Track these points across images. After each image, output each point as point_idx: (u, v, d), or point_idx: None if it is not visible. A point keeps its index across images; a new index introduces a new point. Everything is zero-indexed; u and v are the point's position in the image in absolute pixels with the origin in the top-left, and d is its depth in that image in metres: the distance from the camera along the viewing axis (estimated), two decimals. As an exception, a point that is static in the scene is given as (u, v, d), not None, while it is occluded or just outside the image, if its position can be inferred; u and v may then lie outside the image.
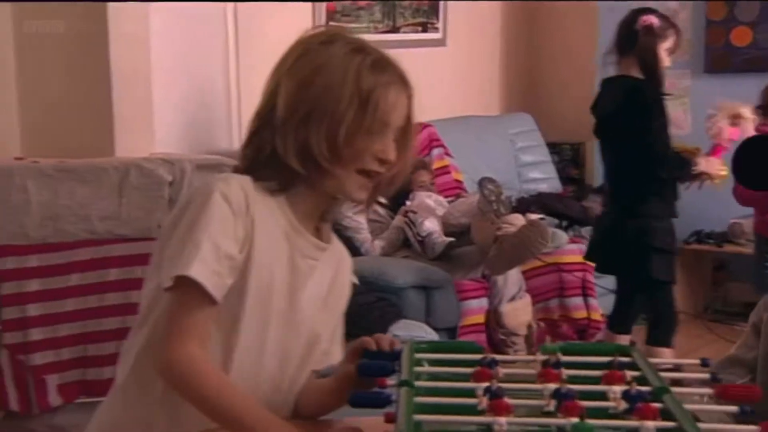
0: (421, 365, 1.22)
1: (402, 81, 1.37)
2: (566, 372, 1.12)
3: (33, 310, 2.53)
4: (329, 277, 1.44)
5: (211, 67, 3.45)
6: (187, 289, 1.25)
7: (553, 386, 1.06)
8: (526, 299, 3.67)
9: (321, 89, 1.33)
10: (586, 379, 1.11)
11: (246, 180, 1.35)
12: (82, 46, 2.79)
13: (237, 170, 1.39)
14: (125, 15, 2.77)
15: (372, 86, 1.34)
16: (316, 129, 1.33)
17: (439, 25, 4.63)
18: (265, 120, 1.36)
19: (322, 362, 1.43)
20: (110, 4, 2.69)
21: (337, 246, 1.48)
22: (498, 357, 1.19)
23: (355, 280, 1.51)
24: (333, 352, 1.45)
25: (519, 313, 3.61)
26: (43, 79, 2.85)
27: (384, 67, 1.36)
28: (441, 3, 4.60)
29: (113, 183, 2.61)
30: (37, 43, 2.82)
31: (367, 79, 1.34)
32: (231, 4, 3.47)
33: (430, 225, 3.64)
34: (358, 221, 3.65)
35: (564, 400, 1.02)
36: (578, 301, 3.82)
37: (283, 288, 1.36)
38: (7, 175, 2.56)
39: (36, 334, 2.53)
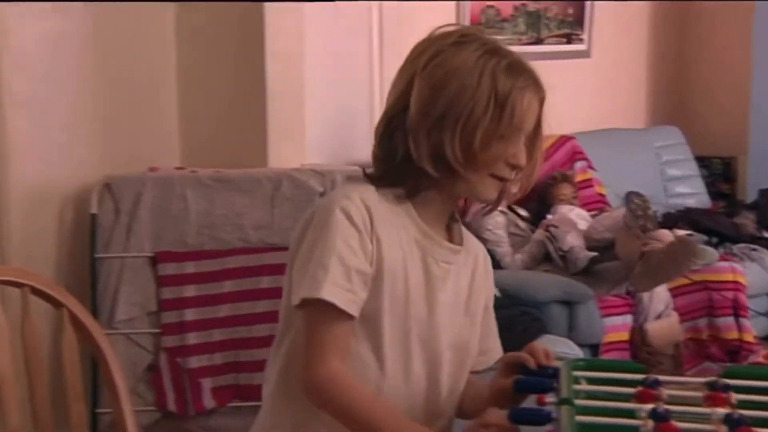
0: (579, 383, 1.21)
1: (536, 84, 1.35)
2: (735, 396, 1.09)
3: (190, 314, 2.63)
4: (467, 280, 1.42)
5: (356, 77, 3.52)
6: (322, 308, 1.26)
7: (722, 411, 1.04)
8: (674, 317, 3.57)
9: (455, 92, 1.31)
10: (757, 405, 1.08)
11: (368, 191, 1.34)
12: (239, 61, 2.89)
13: (368, 176, 1.38)
14: (281, 31, 2.86)
15: (508, 90, 1.32)
16: (450, 132, 1.31)
17: (584, 36, 4.57)
18: (396, 122, 1.35)
19: (482, 363, 1.43)
20: (267, 22, 2.77)
21: (471, 244, 1.46)
22: (661, 378, 1.16)
23: (497, 293, 1.49)
24: (491, 348, 1.45)
25: (665, 331, 3.51)
26: (202, 92, 2.96)
27: (519, 70, 1.34)
28: (587, 14, 4.54)
29: (266, 193, 2.69)
30: (197, 58, 2.94)
31: (504, 82, 1.32)
32: (376, 18, 3.54)
33: (573, 239, 3.59)
34: (498, 235, 3.63)
35: (737, 427, 0.99)
36: (729, 321, 3.68)
37: (420, 295, 1.35)
38: (168, 184, 2.68)
39: (192, 338, 2.63)
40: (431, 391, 1.37)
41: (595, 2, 4.52)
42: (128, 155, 2.84)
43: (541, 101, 1.36)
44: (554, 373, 1.24)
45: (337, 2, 3.21)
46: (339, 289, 1.26)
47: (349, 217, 1.30)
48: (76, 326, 1.90)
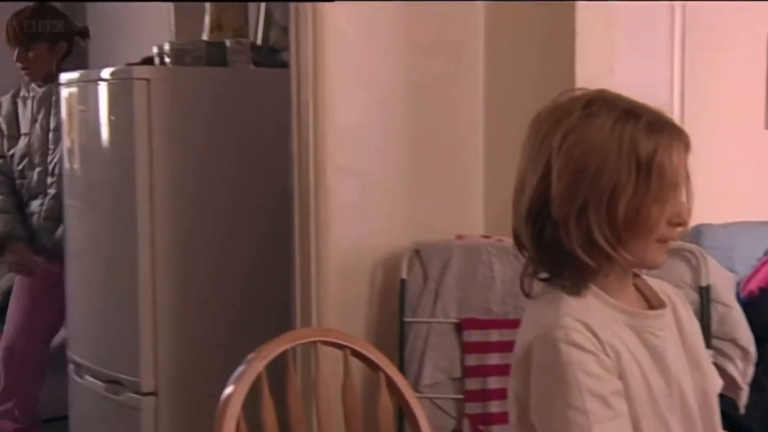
0: None
1: (680, 135, 1.27)
2: None
3: (493, 383, 2.63)
4: (678, 329, 1.37)
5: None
6: None
7: None
8: None
9: (596, 170, 1.25)
10: None
11: (567, 304, 1.30)
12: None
13: (544, 280, 1.35)
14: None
15: (652, 151, 1.24)
16: (595, 215, 1.25)
17: None
18: (543, 211, 1.30)
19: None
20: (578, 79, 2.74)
21: (660, 289, 1.39)
22: None
23: None
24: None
25: None
26: (508, 159, 3.00)
27: (660, 125, 1.26)
28: None
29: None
30: (504, 124, 2.98)
31: (645, 145, 1.24)
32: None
33: None
34: None
35: None
36: None
37: (654, 374, 1.31)
38: (475, 252, 2.73)
39: (494, 407, 2.63)
40: None
41: None
42: (436, 222, 2.92)
43: (687, 147, 1.28)
44: None
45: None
46: (607, 424, 1.24)
47: (578, 345, 1.26)
48: (389, 388, 1.98)
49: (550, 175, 1.29)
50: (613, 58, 2.75)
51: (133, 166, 3.09)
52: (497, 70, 2.96)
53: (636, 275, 1.39)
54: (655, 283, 1.42)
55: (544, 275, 1.39)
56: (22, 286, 3.76)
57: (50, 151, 3.66)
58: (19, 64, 3.71)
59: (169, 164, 3.12)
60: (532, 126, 1.38)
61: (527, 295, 1.40)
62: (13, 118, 3.80)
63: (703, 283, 2.47)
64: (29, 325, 3.73)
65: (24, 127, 3.77)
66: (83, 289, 3.49)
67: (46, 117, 3.68)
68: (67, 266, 3.53)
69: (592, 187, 1.26)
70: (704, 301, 2.46)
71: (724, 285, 2.57)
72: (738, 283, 3.09)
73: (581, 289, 1.32)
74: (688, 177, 1.29)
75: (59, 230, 3.62)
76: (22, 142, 3.76)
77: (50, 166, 3.67)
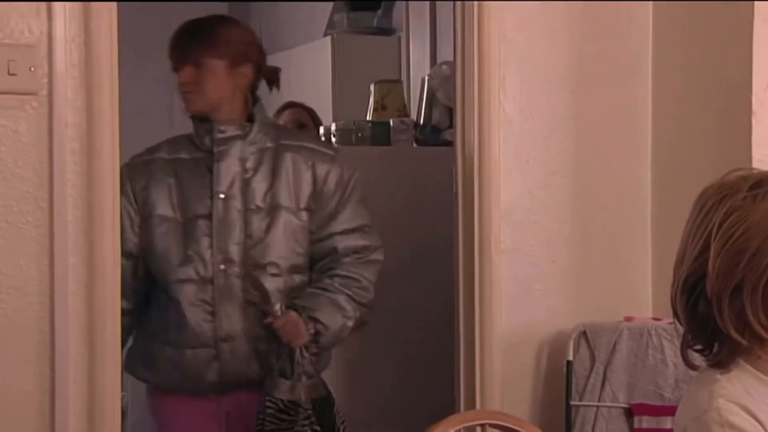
0: None
1: None
2: None
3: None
4: None
5: None
6: None
7: None
8: None
9: (755, 252, 1.24)
10: None
11: (723, 388, 1.27)
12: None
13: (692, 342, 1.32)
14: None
15: None
16: (750, 297, 1.24)
17: None
18: (698, 287, 1.29)
19: None
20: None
21: None
22: None
23: None
24: None
25: None
26: (677, 238, 2.91)
27: None
28: None
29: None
30: (673, 202, 2.89)
31: None
32: None
33: None
34: None
35: None
36: None
37: None
38: (645, 334, 2.64)
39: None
40: None
41: None
42: (603, 303, 2.85)
43: None
44: None
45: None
46: None
47: (736, 427, 1.25)
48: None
49: (708, 251, 1.29)
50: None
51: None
52: (664, 147, 2.90)
53: None
54: None
55: (698, 346, 1.36)
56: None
57: None
58: None
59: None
60: (697, 201, 1.37)
61: (692, 367, 1.37)
62: None
63: None
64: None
65: None
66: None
67: None
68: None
69: (749, 268, 1.26)
70: None
71: None
72: None
73: (731, 364, 1.31)
74: None
75: None
76: None
77: None
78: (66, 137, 2.23)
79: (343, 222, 2.54)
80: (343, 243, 2.53)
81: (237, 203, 2.46)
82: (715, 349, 1.32)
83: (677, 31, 2.85)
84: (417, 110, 3.67)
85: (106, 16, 2.24)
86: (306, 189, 2.50)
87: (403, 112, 3.64)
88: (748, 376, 1.31)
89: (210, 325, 2.44)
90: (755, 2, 2.54)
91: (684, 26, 2.83)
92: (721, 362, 1.32)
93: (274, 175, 2.48)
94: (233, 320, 2.46)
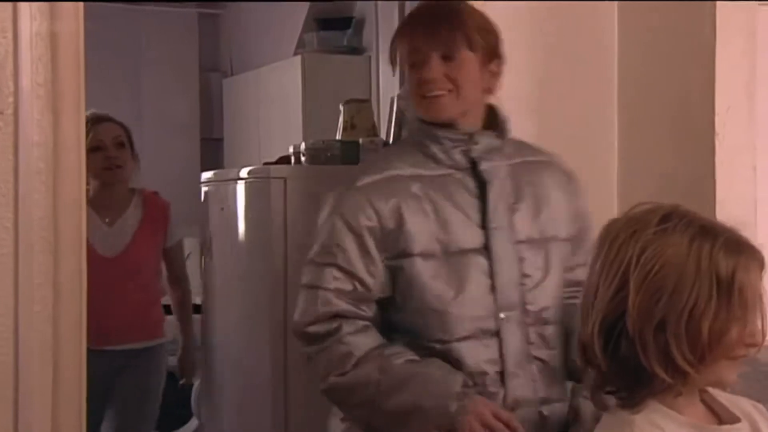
0: None
1: (755, 254, 1.25)
2: None
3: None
4: None
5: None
6: None
7: None
8: None
9: (674, 288, 1.23)
10: None
11: (641, 429, 1.27)
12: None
13: (606, 384, 1.32)
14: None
15: (731, 272, 1.22)
16: (674, 333, 1.24)
17: None
18: (618, 327, 1.28)
19: None
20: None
21: (734, 403, 1.35)
22: None
23: None
24: None
25: None
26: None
27: (738, 245, 1.24)
28: None
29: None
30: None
31: (725, 265, 1.22)
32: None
33: None
34: None
35: None
36: None
37: None
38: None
39: None
40: None
41: None
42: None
43: (762, 266, 1.27)
44: None
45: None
46: None
47: None
48: None
49: (626, 288, 1.27)
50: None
51: (272, 260, 3.16)
52: (630, 160, 2.93)
53: (703, 390, 1.36)
54: (727, 398, 1.38)
55: (611, 388, 1.36)
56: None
57: None
58: None
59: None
60: (605, 237, 1.35)
61: (604, 408, 1.38)
62: None
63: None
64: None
65: None
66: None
67: None
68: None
69: (670, 305, 1.25)
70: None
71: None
72: None
73: (642, 404, 1.30)
74: (761, 297, 1.28)
75: None
76: None
77: None
78: (32, 157, 2.21)
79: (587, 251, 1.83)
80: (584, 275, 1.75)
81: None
82: (632, 390, 1.31)
83: (640, 57, 2.90)
84: (386, 129, 3.68)
85: (74, 38, 2.23)
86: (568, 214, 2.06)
87: (373, 131, 3.65)
88: (663, 417, 1.30)
89: None
90: (716, 28, 2.60)
91: (646, 52, 2.88)
92: (635, 403, 1.31)
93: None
94: None
